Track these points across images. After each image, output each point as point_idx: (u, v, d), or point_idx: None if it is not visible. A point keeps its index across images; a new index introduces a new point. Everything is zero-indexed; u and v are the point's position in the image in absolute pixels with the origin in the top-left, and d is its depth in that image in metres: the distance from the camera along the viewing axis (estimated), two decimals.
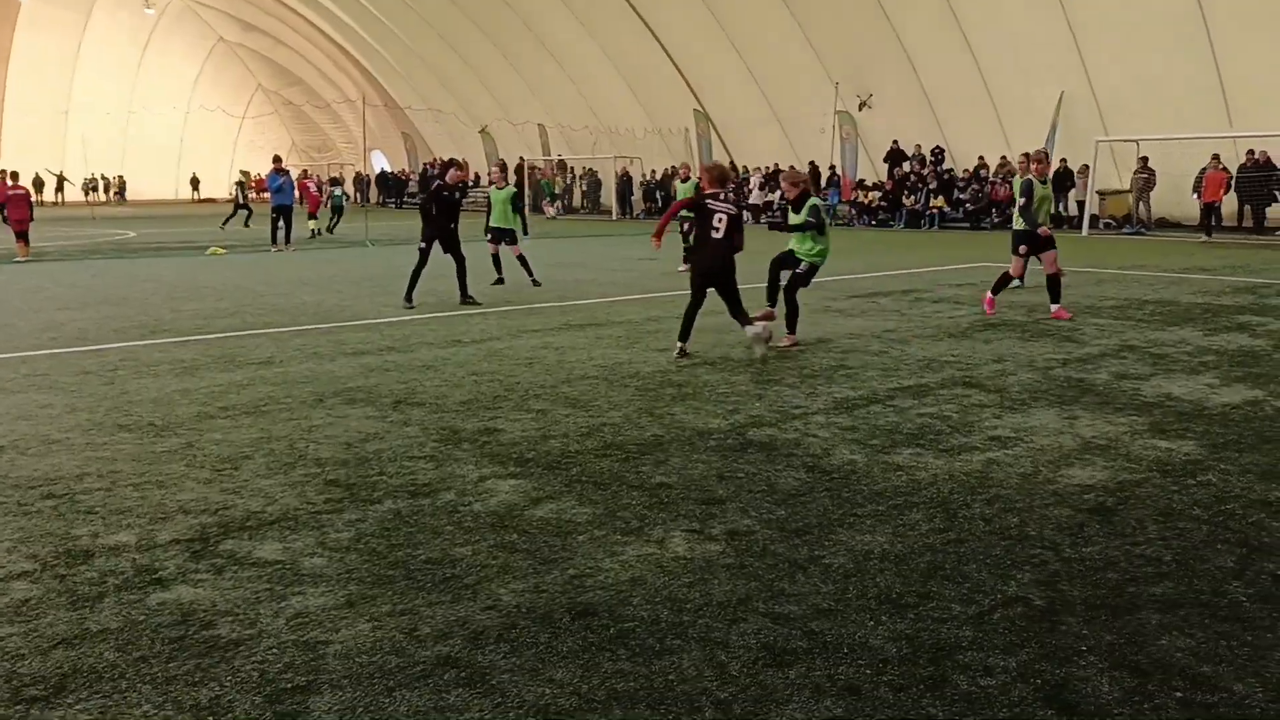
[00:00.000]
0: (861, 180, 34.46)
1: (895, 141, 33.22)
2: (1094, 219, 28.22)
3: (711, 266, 9.27)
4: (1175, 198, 27.52)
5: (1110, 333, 10.44)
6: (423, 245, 13.18)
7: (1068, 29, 27.71)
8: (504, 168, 17.60)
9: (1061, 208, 29.85)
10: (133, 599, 3.97)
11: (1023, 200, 11.59)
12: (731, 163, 38.69)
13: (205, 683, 3.31)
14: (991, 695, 3.18)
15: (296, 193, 26.55)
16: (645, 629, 3.68)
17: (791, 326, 10.03)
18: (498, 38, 43.11)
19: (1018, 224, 11.83)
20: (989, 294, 12.17)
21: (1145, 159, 27.45)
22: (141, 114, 58.54)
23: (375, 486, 5.37)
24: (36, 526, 4.78)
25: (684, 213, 11.71)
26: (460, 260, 13.21)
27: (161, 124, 61.43)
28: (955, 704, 3.13)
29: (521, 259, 15.67)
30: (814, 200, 10.36)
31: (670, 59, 37.86)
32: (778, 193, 36.09)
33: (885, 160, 33.69)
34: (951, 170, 32.11)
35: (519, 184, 30.33)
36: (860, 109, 34.10)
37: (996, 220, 30.22)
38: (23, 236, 20.73)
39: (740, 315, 9.26)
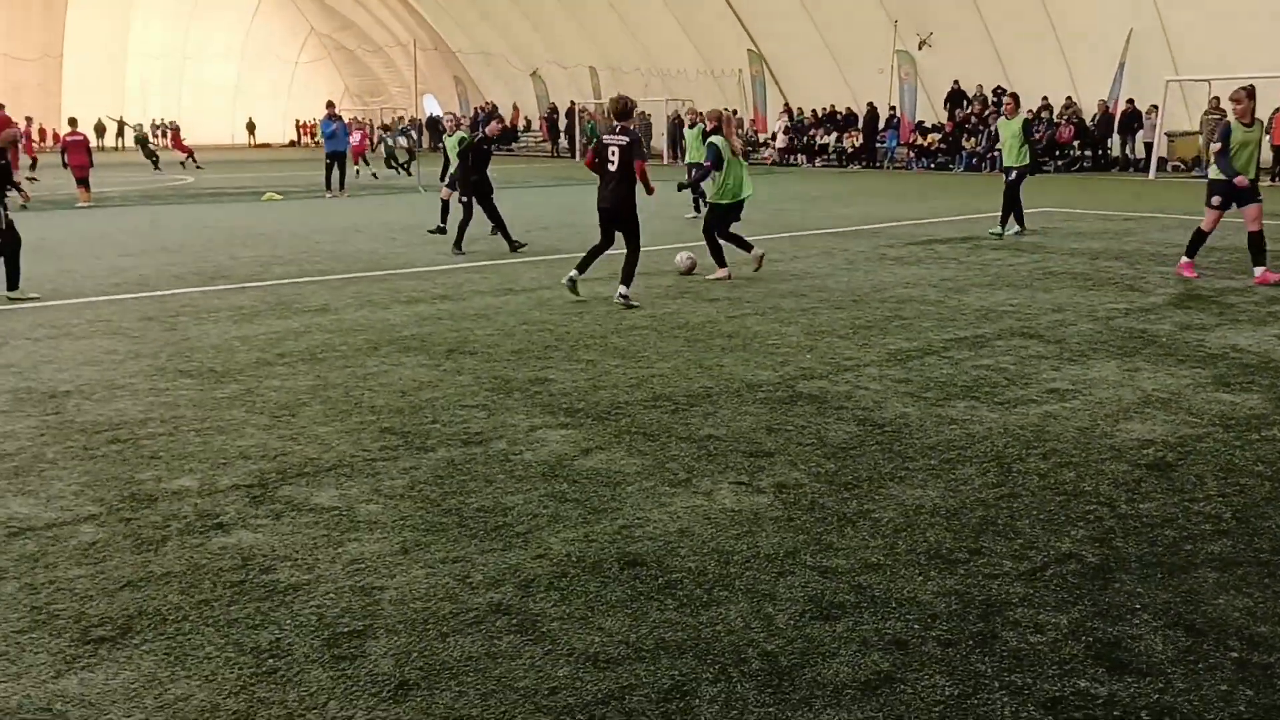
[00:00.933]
0: (920, 122, 33.72)
1: (956, 82, 32.38)
2: (1162, 161, 27.38)
3: (611, 204, 9.21)
4: None
5: (1176, 280, 10.17)
6: (464, 200, 13.20)
7: None
8: (456, 117, 16.93)
9: (1128, 150, 29.01)
10: (195, 543, 4.08)
11: (1218, 145, 10.08)
12: (786, 104, 38.08)
13: (265, 626, 3.41)
14: (1041, 652, 3.16)
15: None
16: (693, 580, 3.71)
17: (718, 260, 10.71)
18: None
19: (1213, 173, 10.31)
20: (1184, 258, 10.63)
21: (1216, 99, 26.42)
22: (197, 59, 59.03)
23: (429, 435, 5.45)
24: (102, 470, 4.93)
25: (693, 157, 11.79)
26: (493, 210, 13.25)
27: (217, 69, 61.93)
28: (1004, 660, 3.12)
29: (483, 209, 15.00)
30: (713, 139, 10.73)
31: None
32: (833, 135, 35.51)
33: (945, 102, 32.87)
34: None
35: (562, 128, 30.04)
36: (920, 48, 33.24)
37: (1060, 163, 29.48)
38: (83, 182, 21.12)
39: (629, 274, 9.18)
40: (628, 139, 9.13)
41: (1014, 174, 14.20)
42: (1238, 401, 5.93)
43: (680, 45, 40.50)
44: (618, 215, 9.23)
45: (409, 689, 3.02)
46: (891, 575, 3.72)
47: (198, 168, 34.35)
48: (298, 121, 65.40)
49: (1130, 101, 28.39)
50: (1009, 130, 14.41)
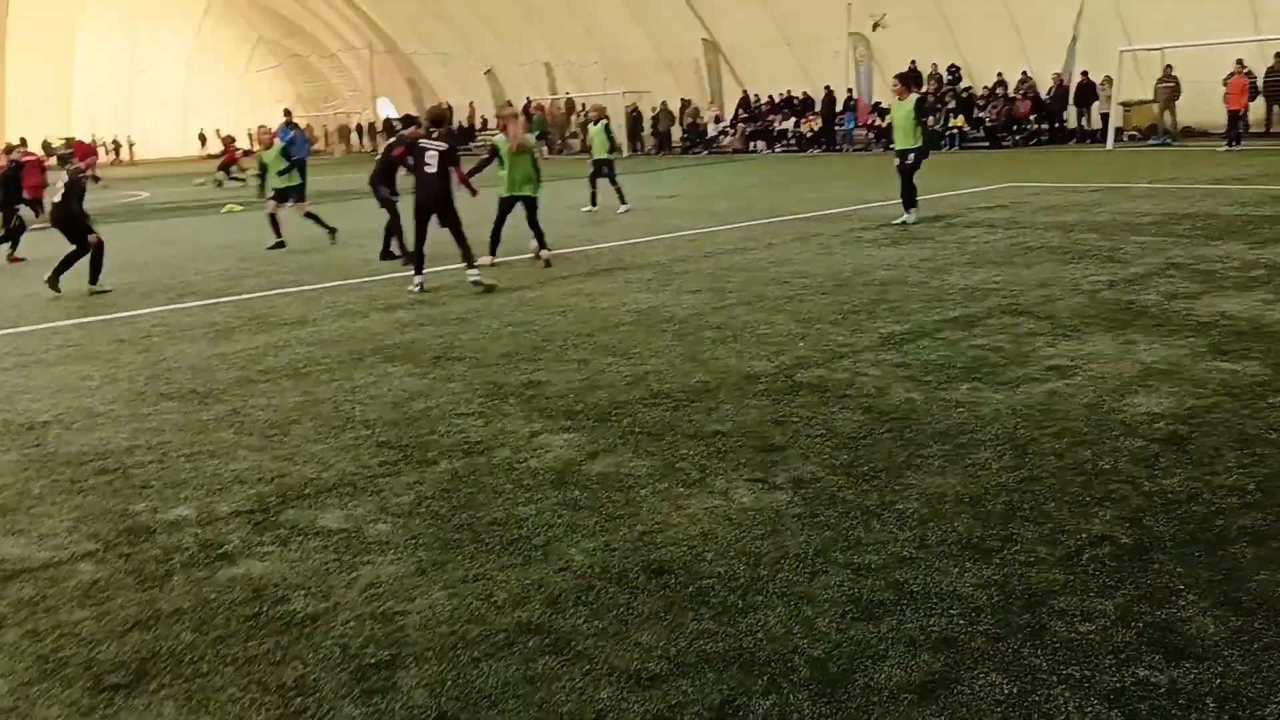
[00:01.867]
0: (878, 103, 33.77)
1: (912, 61, 32.45)
2: (1119, 131, 27.62)
3: (428, 200, 10.13)
4: (1202, 106, 26.84)
5: (1153, 250, 10.20)
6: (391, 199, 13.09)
7: None
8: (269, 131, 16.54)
9: (1084, 121, 29.24)
10: (201, 576, 3.92)
11: None
12: (745, 92, 38.05)
13: (287, 661, 3.26)
14: (1093, 642, 3.09)
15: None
16: (724, 585, 3.61)
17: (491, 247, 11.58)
18: None
19: None
20: None
21: (1169, 67, 26.75)
22: (146, 73, 58.03)
23: (428, 447, 5.30)
24: (93, 504, 4.74)
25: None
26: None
27: (166, 81, 60.90)
28: (1058, 652, 3.05)
29: (311, 215, 15.02)
30: (495, 139, 11.62)
31: None
32: (791, 120, 35.53)
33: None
34: (970, 89, 31.43)
35: (532, 126, 29.86)
36: (874, 29, 33.28)
37: (1018, 138, 29.68)
38: (37, 204, 20.59)
39: (466, 252, 10.26)
40: (446, 146, 10.26)
41: (910, 157, 13.42)
42: (1238, 369, 5.91)
43: (635, 38, 40.28)
44: (438, 209, 10.20)
45: None
46: (926, 569, 3.64)
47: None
48: (249, 131, 64.45)
49: (1085, 73, 28.61)
50: (901, 111, 13.60)
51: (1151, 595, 3.36)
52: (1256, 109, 25.99)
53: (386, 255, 12.89)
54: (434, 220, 10.22)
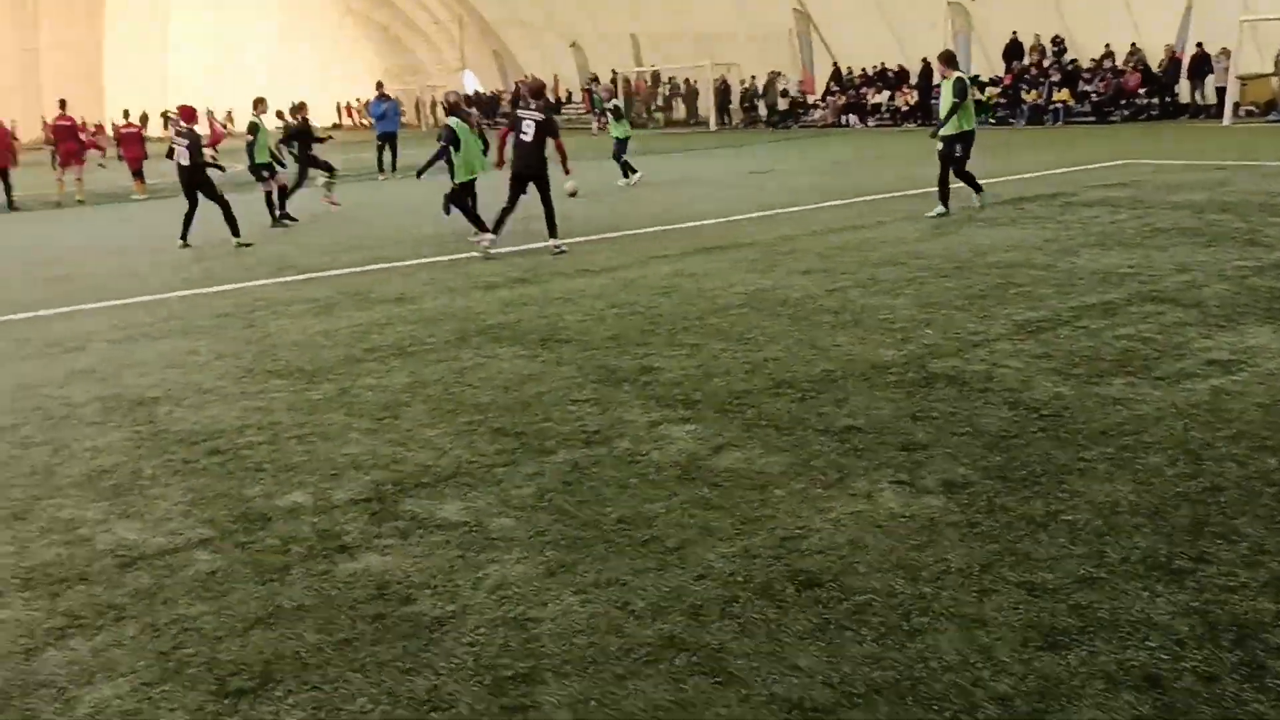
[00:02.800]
0: (976, 76, 32.63)
1: (1014, 33, 31.26)
2: (1235, 106, 26.20)
3: (525, 169, 10.63)
4: None
5: None
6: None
7: None
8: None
9: (1198, 95, 27.82)
10: (321, 569, 3.74)
11: None
12: (835, 64, 37.13)
13: (419, 670, 3.05)
14: None
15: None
16: (883, 603, 3.29)
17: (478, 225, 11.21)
18: None
19: None
20: None
21: None
22: (238, 46, 59.08)
23: (545, 435, 5.07)
24: (207, 487, 4.61)
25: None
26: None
27: (255, 55, 61.87)
28: None
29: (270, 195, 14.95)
30: (449, 120, 11.41)
31: None
32: (885, 93, 34.58)
33: (1003, 55, 31.76)
34: (1075, 61, 30.14)
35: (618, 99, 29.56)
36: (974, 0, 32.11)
37: (1126, 113, 28.40)
38: (138, 174, 21.01)
39: (551, 223, 10.77)
40: (543, 116, 10.71)
41: (955, 146, 11.85)
42: None
43: (723, 7, 39.53)
44: (534, 176, 10.65)
45: None
46: (1112, 591, 3.27)
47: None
48: (339, 104, 65.28)
49: (1199, 45, 27.17)
50: (944, 91, 12.03)
51: None
52: None
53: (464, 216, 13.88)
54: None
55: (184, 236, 12.82)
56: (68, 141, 20.36)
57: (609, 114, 19.37)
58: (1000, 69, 32.11)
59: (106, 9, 56.99)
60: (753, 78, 38.88)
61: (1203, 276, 7.84)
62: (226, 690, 3.00)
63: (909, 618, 3.20)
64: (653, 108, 43.32)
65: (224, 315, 8.47)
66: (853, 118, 34.97)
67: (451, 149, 11.25)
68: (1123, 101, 28.50)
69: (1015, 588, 3.33)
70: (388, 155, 22.77)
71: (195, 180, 12.72)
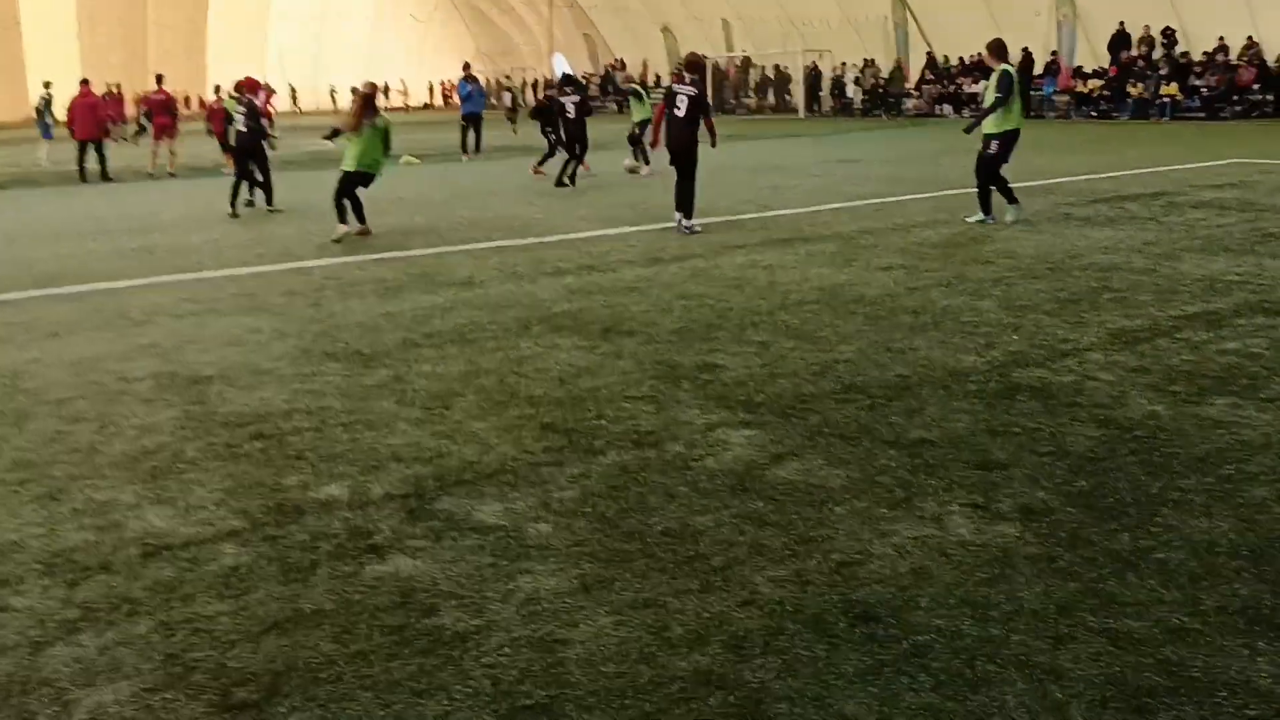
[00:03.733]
0: (1079, 67, 31.42)
1: (1121, 23, 29.96)
2: None
3: (677, 143, 10.76)
4: None
5: None
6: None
7: None
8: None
9: None
10: (347, 570, 3.56)
11: None
12: (930, 53, 36.12)
13: (432, 693, 2.83)
14: None
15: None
16: (946, 645, 2.97)
17: (359, 218, 11.32)
18: None
19: None
20: None
21: None
22: (334, 23, 60.01)
23: (595, 433, 4.83)
24: (246, 474, 4.48)
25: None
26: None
27: (353, 31, 62.86)
28: None
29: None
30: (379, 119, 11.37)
31: None
32: (980, 82, 33.50)
33: (1109, 46, 30.47)
34: (1186, 54, 28.76)
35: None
36: None
37: (1239, 109, 27.01)
38: (228, 149, 21.27)
39: (685, 202, 10.76)
40: (696, 92, 10.72)
41: (993, 145, 10.49)
42: None
43: None
44: (682, 153, 10.74)
45: None
46: (1207, 646, 2.90)
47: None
48: (430, 84, 65.95)
49: None
50: (989, 84, 10.85)
51: None
52: None
53: (560, 183, 15.61)
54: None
55: (233, 205, 13.57)
56: (162, 116, 20.70)
57: (630, 97, 19.65)
58: (1105, 60, 30.83)
59: None
60: (844, 64, 38.06)
61: None
62: (229, 703, 2.82)
63: (973, 664, 2.87)
64: (742, 94, 42.75)
65: (291, 293, 8.42)
66: (947, 107, 34.01)
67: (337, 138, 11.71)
68: (1235, 98, 27.15)
69: (1096, 635, 2.98)
70: (471, 136, 22.77)
71: (250, 145, 13.53)
